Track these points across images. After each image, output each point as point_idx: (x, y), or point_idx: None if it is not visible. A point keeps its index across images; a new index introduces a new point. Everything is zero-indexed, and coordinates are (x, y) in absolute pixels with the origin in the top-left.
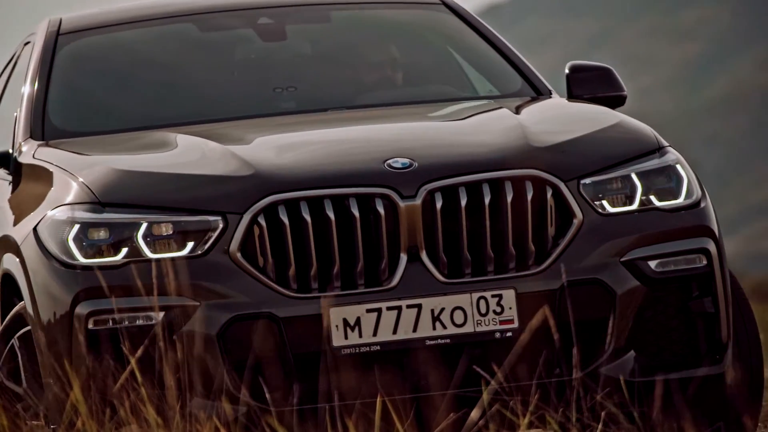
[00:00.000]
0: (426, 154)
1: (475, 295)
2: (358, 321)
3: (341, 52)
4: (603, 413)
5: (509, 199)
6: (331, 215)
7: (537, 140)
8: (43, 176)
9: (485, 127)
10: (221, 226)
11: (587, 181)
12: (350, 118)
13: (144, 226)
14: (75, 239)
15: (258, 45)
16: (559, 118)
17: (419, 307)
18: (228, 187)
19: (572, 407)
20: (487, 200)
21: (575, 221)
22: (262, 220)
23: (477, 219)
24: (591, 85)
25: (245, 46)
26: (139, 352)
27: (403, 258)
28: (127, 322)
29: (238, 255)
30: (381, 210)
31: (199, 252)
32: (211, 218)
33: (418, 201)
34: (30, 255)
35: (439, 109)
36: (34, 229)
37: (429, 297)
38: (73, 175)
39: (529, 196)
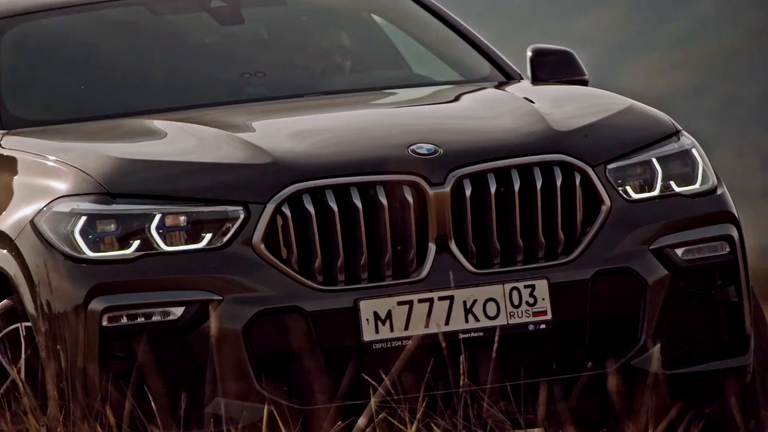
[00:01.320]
0: (450, 140)
1: (508, 286)
2: (389, 314)
3: (303, 37)
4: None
5: (539, 185)
6: (359, 203)
7: (558, 124)
8: (22, 166)
9: (501, 111)
10: (242, 216)
11: (613, 166)
12: (342, 103)
13: (158, 217)
14: (81, 232)
15: (215, 29)
16: (568, 102)
17: (451, 299)
18: (248, 175)
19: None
20: (516, 187)
21: (603, 208)
22: (286, 210)
23: (505, 206)
24: (554, 68)
25: (202, 30)
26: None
27: (432, 248)
28: (143, 318)
29: (262, 246)
30: (409, 198)
31: (219, 244)
32: (232, 208)
33: (447, 188)
34: (29, 249)
35: (431, 93)
36: (32, 222)
37: (460, 288)
38: (68, 164)
39: (558, 183)
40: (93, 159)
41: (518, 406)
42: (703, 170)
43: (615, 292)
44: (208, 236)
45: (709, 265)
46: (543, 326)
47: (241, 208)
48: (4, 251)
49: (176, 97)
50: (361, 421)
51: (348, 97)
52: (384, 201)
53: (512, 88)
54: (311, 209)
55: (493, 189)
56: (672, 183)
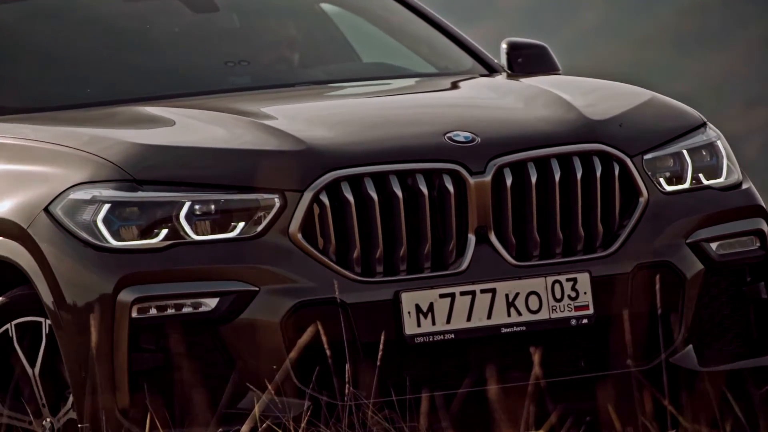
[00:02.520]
0: (486, 128)
1: (550, 279)
2: (431, 307)
3: (282, 25)
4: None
5: (579, 176)
6: (399, 192)
7: (591, 113)
8: (19, 153)
9: (528, 100)
10: (278, 204)
11: (649, 156)
12: (351, 93)
13: (187, 205)
14: (105, 220)
15: (189, 16)
16: (591, 92)
17: (493, 292)
18: (284, 162)
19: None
20: (557, 177)
21: (641, 200)
22: (324, 198)
23: (544, 197)
24: (529, 62)
25: (177, 17)
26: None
27: (472, 239)
28: (174, 310)
29: (299, 236)
30: (450, 187)
31: (253, 233)
32: (267, 196)
33: (488, 177)
34: (46, 239)
35: (441, 82)
36: (46, 210)
37: (502, 281)
38: (83, 150)
39: (598, 173)
40: (111, 145)
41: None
42: (729, 164)
43: (653, 286)
44: (240, 225)
45: (741, 260)
46: (585, 321)
47: (276, 196)
48: (11, 241)
49: (158, 86)
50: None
51: (345, 86)
52: (424, 190)
53: (517, 79)
54: (351, 198)
55: (534, 179)
56: (701, 176)
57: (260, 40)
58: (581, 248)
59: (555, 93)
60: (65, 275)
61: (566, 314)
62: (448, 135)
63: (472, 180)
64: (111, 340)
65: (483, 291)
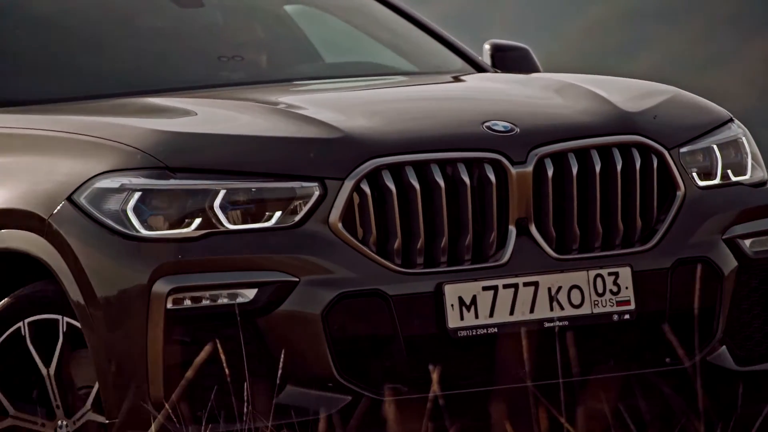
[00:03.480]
0: (525, 118)
1: (592, 273)
2: (474, 300)
3: (269, 22)
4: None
5: (619, 167)
6: (441, 181)
7: (625, 105)
8: (35, 144)
9: (560, 92)
10: (318, 192)
11: (685, 150)
12: (370, 85)
13: (222, 193)
14: (135, 209)
15: (177, 11)
16: (614, 86)
17: (536, 285)
18: (324, 149)
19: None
20: (598, 168)
21: (678, 194)
22: (365, 187)
23: (583, 189)
24: (512, 64)
25: (164, 12)
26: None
27: (512, 231)
28: (209, 301)
29: (339, 226)
30: (492, 177)
31: (292, 222)
32: (306, 184)
33: (530, 168)
34: (71, 229)
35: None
36: (70, 199)
37: (544, 274)
38: (105, 138)
39: (638, 165)
40: (138, 133)
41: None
42: (757, 158)
43: (693, 282)
44: (277, 214)
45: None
46: (627, 317)
47: (316, 184)
48: (29, 233)
49: (150, 79)
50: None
51: (350, 81)
52: (466, 179)
53: (528, 75)
54: (392, 186)
55: (575, 170)
56: (729, 172)
57: (248, 37)
58: (619, 242)
59: (583, 86)
60: (94, 266)
61: (608, 309)
62: (487, 124)
63: (513, 170)
64: (145, 332)
65: (526, 284)
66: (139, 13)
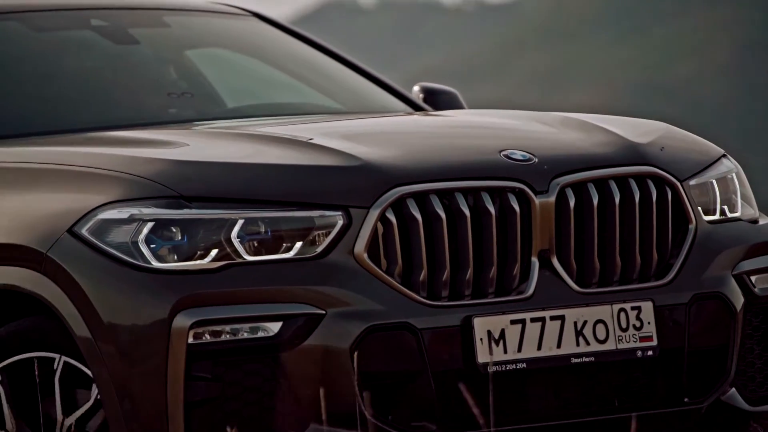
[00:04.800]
0: (542, 147)
1: (616, 307)
2: (502, 334)
3: (204, 60)
4: None
5: (637, 199)
6: (466, 211)
7: (633, 137)
8: (24, 175)
9: (561, 124)
10: (342, 222)
11: (693, 183)
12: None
13: (240, 223)
14: (147, 240)
15: (111, 48)
16: (608, 122)
17: (562, 319)
18: (346, 177)
19: None
20: (617, 199)
21: (691, 227)
22: (391, 216)
23: (602, 220)
24: (443, 107)
25: (99, 48)
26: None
27: (535, 262)
28: (231, 335)
29: (365, 256)
30: (516, 206)
31: (315, 252)
32: (330, 213)
33: (552, 198)
34: (76, 262)
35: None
36: (71, 231)
37: (570, 308)
38: (105, 169)
39: (654, 197)
40: (144, 162)
41: None
42: (749, 195)
43: (708, 318)
44: (298, 244)
45: None
46: (650, 353)
47: (340, 213)
48: (22, 269)
49: (98, 117)
50: None
51: (318, 117)
52: (491, 209)
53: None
54: (418, 215)
55: (595, 201)
56: (725, 207)
57: (188, 73)
58: (636, 276)
59: (584, 119)
60: (104, 301)
61: (632, 345)
62: (504, 153)
63: (537, 199)
64: (164, 368)
65: (552, 318)
66: (74, 50)
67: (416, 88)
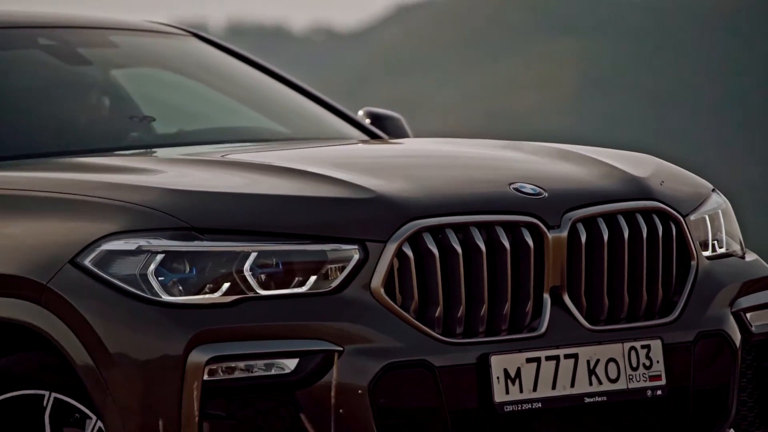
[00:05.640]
0: (549, 180)
1: (627, 345)
2: (518, 372)
3: (162, 82)
4: None
5: (645, 234)
6: (482, 246)
7: (631, 170)
8: (18, 203)
9: (562, 158)
10: (358, 256)
11: (692, 218)
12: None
13: (253, 256)
14: (157, 273)
15: (63, 69)
16: (601, 155)
17: (576, 357)
18: (361, 210)
19: None
20: (626, 234)
21: (693, 263)
22: (407, 250)
23: (611, 256)
24: (390, 133)
25: (50, 69)
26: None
27: (547, 299)
28: (245, 372)
29: (382, 291)
30: (530, 241)
31: (329, 287)
32: (346, 247)
33: (565, 233)
34: (80, 295)
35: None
36: (73, 262)
37: (583, 346)
38: (107, 198)
39: (660, 232)
40: (146, 192)
41: None
42: (734, 233)
43: (711, 357)
44: (312, 278)
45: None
46: (659, 392)
47: (356, 246)
48: (16, 300)
49: (48, 143)
50: None
51: (287, 144)
52: (506, 243)
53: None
54: (435, 250)
55: (605, 236)
56: (715, 243)
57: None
58: (642, 313)
59: (581, 152)
60: (112, 334)
61: (642, 384)
62: (514, 186)
63: (550, 234)
64: (178, 405)
65: (566, 356)
66: (21, 70)
67: (361, 112)
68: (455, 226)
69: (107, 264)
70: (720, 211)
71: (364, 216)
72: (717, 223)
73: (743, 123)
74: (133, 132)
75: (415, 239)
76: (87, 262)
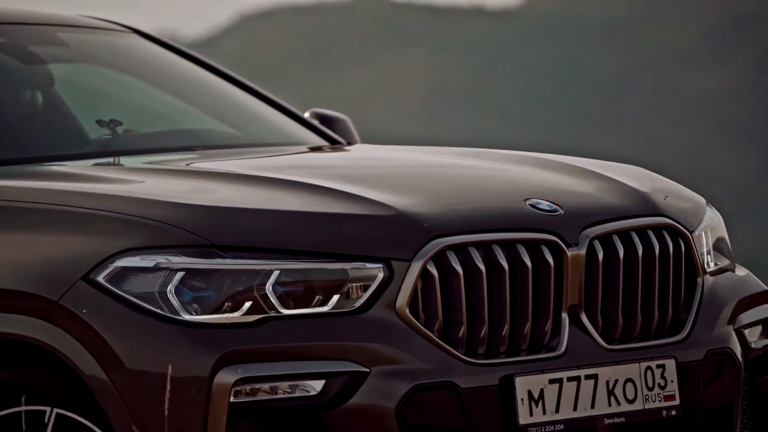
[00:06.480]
0: (562, 196)
1: (643, 365)
2: (541, 394)
3: (120, 83)
4: None
5: (657, 251)
6: (505, 264)
7: (636, 184)
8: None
9: (565, 172)
10: (382, 275)
11: (696, 233)
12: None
13: (275, 274)
14: (177, 291)
15: (21, 69)
16: (600, 168)
17: (596, 378)
18: (384, 228)
19: None
20: (640, 252)
21: (699, 280)
22: (432, 269)
23: (626, 274)
24: (338, 134)
25: (10, 70)
26: None
27: (565, 318)
28: (269, 394)
29: (407, 311)
30: (550, 259)
31: (352, 307)
32: (370, 265)
33: (583, 250)
34: (95, 312)
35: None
36: (87, 279)
37: (602, 366)
38: (120, 213)
39: (671, 249)
40: (160, 207)
41: None
42: (725, 248)
43: (719, 376)
44: (335, 297)
45: (762, 347)
46: (674, 413)
47: (381, 265)
48: (23, 316)
49: (27, 147)
50: None
51: (267, 150)
52: (528, 262)
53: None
54: (459, 269)
55: (621, 253)
56: (708, 258)
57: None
58: (653, 331)
59: (579, 165)
60: (131, 354)
61: (657, 405)
62: (529, 202)
63: (569, 252)
64: (203, 427)
65: (587, 377)
66: None
67: (308, 113)
68: (477, 244)
69: (121, 281)
70: (715, 225)
71: (387, 234)
72: (713, 238)
73: (581, 128)
74: (96, 136)
75: (438, 257)
76: (101, 278)
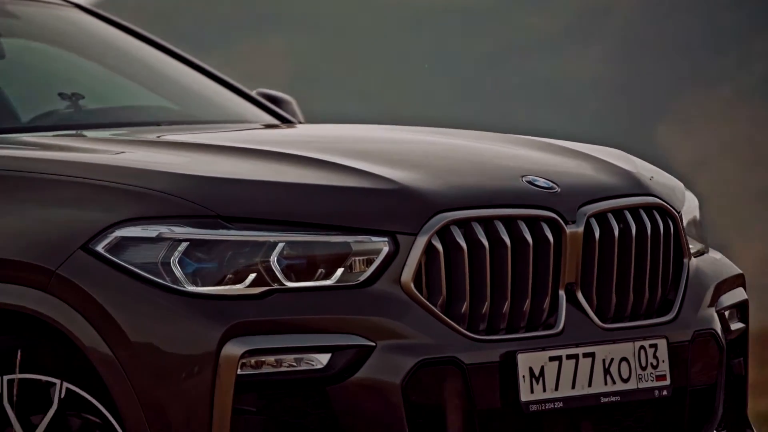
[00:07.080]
0: (558, 174)
1: (637, 344)
2: (542, 371)
3: (77, 54)
4: None
5: (649, 230)
6: (507, 240)
7: (622, 164)
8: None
9: (552, 151)
10: (388, 248)
11: (682, 214)
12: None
13: (280, 246)
14: (180, 262)
15: None
16: (581, 148)
17: (593, 356)
18: (390, 201)
19: None
20: (633, 230)
21: (686, 261)
22: (437, 243)
23: (620, 253)
24: (285, 114)
25: None
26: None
27: (563, 295)
28: (275, 367)
29: (412, 285)
30: (549, 236)
31: (357, 281)
32: (376, 239)
33: (581, 228)
34: (96, 282)
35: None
36: (87, 248)
37: (599, 345)
38: (116, 182)
39: (661, 228)
40: (160, 177)
41: None
42: (701, 232)
43: (704, 356)
44: (339, 270)
45: (737, 330)
46: (665, 392)
47: (386, 239)
48: (20, 286)
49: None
50: None
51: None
52: (529, 238)
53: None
54: (464, 244)
55: (616, 232)
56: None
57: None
58: (643, 311)
59: (565, 146)
60: (135, 325)
61: (650, 384)
62: (526, 179)
63: (568, 229)
64: (210, 399)
65: (585, 355)
66: None
67: (254, 93)
68: (480, 220)
69: (121, 251)
70: (694, 207)
71: (393, 207)
72: (693, 221)
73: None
74: (58, 109)
75: (442, 232)
76: (100, 248)
